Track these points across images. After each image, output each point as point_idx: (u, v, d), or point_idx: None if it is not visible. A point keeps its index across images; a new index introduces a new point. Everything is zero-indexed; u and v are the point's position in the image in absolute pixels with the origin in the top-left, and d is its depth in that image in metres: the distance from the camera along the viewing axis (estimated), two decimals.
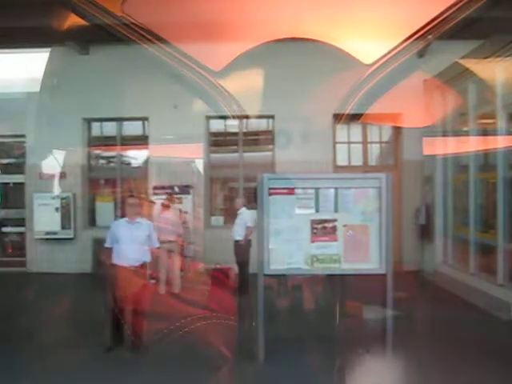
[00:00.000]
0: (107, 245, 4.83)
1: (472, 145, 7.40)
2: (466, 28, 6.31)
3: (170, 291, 7.04)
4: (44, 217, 9.05)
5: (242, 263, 7.07)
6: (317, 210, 4.55)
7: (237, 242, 7.21)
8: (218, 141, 9.65)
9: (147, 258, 4.82)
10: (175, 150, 8.72)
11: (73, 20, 6.45)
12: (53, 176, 9.22)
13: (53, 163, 9.16)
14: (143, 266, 4.77)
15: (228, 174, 9.58)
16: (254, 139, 9.64)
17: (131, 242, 4.70)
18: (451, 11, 5.88)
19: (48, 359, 4.34)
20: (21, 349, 4.65)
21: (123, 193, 9.42)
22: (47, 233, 9.12)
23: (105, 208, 9.57)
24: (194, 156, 9.13)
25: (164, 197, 8.24)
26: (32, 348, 4.71)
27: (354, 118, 8.67)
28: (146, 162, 9.45)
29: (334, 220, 4.54)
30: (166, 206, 7.58)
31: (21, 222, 9.38)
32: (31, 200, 9.13)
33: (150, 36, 6.57)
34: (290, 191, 4.52)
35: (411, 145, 8.80)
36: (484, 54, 6.57)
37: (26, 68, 8.76)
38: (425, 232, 8.66)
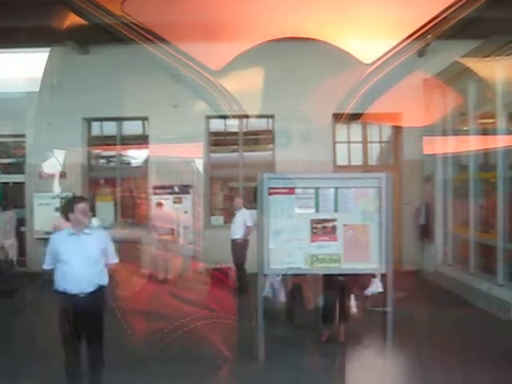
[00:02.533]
0: (45, 266, 3.69)
1: (472, 144, 7.39)
2: (465, 28, 6.33)
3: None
4: (44, 216, 9.05)
5: (239, 262, 7.07)
6: (317, 210, 4.55)
7: (234, 240, 7.22)
8: (218, 140, 9.65)
9: (103, 281, 3.65)
10: (175, 150, 8.71)
11: (73, 20, 6.46)
12: (53, 176, 9.22)
13: (53, 163, 9.16)
14: (99, 291, 3.62)
15: (228, 173, 9.58)
16: (253, 139, 9.64)
17: (79, 260, 3.53)
18: (451, 11, 5.89)
19: (46, 360, 4.33)
20: (20, 350, 4.65)
21: (123, 192, 9.43)
22: (47, 232, 9.10)
23: (105, 208, 9.56)
24: (194, 156, 9.13)
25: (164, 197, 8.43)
26: (31, 349, 4.70)
27: (354, 117, 8.67)
28: (146, 161, 9.45)
29: (334, 220, 4.53)
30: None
31: (21, 221, 9.37)
32: (31, 200, 9.12)
33: (150, 36, 6.57)
34: (290, 191, 4.52)
35: (411, 144, 8.79)
36: (484, 53, 6.56)
37: (26, 68, 8.76)
38: (425, 232, 8.66)
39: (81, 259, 3.53)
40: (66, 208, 3.75)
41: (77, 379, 3.66)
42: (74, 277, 3.51)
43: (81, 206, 3.59)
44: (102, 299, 3.67)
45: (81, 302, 3.52)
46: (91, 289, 3.54)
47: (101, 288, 3.62)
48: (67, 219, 3.68)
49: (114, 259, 3.77)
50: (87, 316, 3.55)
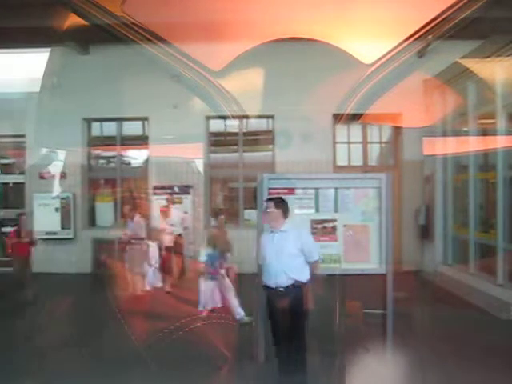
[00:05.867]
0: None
1: (472, 145, 7.40)
2: (466, 28, 6.32)
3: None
4: (44, 217, 9.05)
5: None
6: (317, 210, 4.55)
7: None
8: (218, 141, 9.65)
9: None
10: (175, 150, 8.72)
11: (73, 20, 6.45)
12: (53, 176, 9.22)
13: (53, 163, 9.16)
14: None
15: (228, 173, 9.57)
16: (254, 139, 9.64)
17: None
18: (451, 11, 5.89)
19: (49, 360, 4.34)
20: (20, 350, 4.65)
21: (123, 193, 9.43)
22: (47, 233, 9.11)
23: (105, 208, 9.56)
24: (194, 156, 9.13)
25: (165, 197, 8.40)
26: (32, 349, 4.70)
27: (354, 117, 8.67)
28: (146, 161, 9.45)
29: (334, 220, 4.54)
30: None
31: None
32: (31, 200, 9.12)
33: (150, 36, 6.57)
34: (290, 191, 4.52)
35: (411, 145, 8.79)
36: (484, 53, 6.57)
37: (26, 68, 8.76)
38: (425, 232, 8.66)
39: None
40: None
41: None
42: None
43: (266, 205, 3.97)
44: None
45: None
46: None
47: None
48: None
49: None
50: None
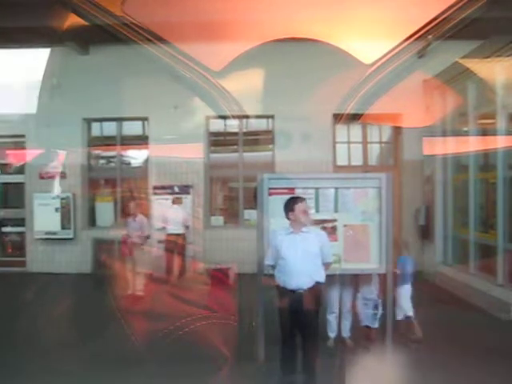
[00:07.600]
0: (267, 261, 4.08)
1: (472, 145, 7.40)
2: (466, 28, 6.32)
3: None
4: (44, 217, 9.05)
5: None
6: (317, 210, 4.55)
7: None
8: (218, 141, 9.65)
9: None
10: (175, 150, 8.71)
11: (73, 20, 6.46)
12: (53, 176, 9.22)
13: (53, 163, 9.16)
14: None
15: (228, 173, 9.58)
16: (253, 139, 9.64)
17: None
18: (451, 11, 5.89)
19: (47, 361, 4.33)
20: (20, 350, 4.64)
21: (123, 193, 9.43)
22: (47, 233, 9.11)
23: (105, 208, 9.56)
24: (194, 156, 9.13)
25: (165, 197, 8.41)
26: (31, 349, 4.70)
27: (354, 117, 8.67)
28: (146, 161, 9.46)
29: (334, 220, 4.54)
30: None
31: (21, 222, 9.37)
32: (31, 200, 9.13)
33: (150, 36, 6.58)
34: (290, 191, 4.52)
35: (411, 145, 8.79)
36: (484, 53, 6.57)
37: (26, 68, 8.76)
38: (425, 232, 8.66)
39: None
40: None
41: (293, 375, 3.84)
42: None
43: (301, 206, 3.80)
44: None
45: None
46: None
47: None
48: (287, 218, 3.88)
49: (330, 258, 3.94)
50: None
